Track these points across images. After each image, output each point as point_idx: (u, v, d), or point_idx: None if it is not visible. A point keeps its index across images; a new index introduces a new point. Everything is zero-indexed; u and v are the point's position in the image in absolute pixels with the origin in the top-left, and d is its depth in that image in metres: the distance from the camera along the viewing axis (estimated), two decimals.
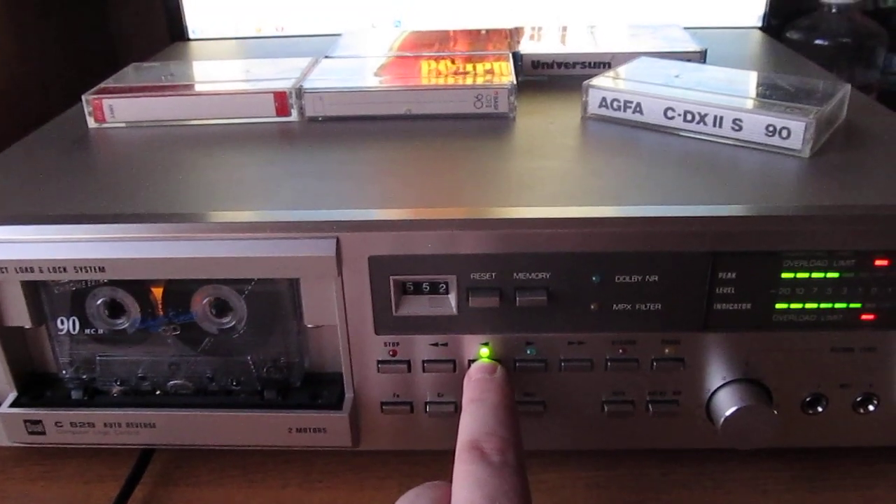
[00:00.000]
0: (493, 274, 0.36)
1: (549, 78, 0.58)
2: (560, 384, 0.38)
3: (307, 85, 0.49)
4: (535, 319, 0.37)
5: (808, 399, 0.39)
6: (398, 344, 0.38)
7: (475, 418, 0.33)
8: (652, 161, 0.42)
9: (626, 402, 0.39)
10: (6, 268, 0.36)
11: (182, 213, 0.37)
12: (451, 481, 0.31)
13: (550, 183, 0.39)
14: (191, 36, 0.76)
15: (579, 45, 0.60)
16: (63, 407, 0.40)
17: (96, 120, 0.50)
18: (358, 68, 0.54)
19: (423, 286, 0.37)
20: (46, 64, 0.78)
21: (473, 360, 0.38)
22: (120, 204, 0.38)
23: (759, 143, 0.42)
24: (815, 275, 0.36)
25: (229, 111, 0.50)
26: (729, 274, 0.36)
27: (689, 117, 0.44)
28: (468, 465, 0.30)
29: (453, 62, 0.55)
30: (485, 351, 0.38)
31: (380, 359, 0.38)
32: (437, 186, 0.40)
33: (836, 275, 0.36)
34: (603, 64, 0.57)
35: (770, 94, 0.45)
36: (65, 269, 0.36)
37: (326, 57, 0.57)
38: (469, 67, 0.53)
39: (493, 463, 0.30)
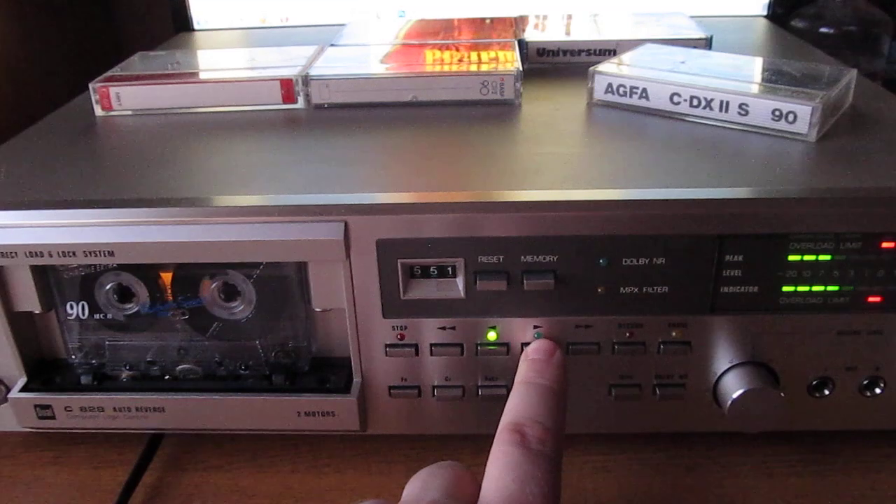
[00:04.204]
0: (501, 257, 0.36)
1: (554, 66, 0.58)
2: (567, 367, 0.38)
3: (313, 72, 0.50)
4: (542, 303, 0.37)
5: (814, 382, 0.39)
6: (406, 328, 0.38)
7: (524, 400, 0.33)
8: (658, 146, 0.42)
9: (633, 385, 0.39)
10: (16, 253, 0.36)
11: (191, 197, 0.37)
12: (460, 462, 0.31)
13: (557, 168, 0.40)
14: (195, 27, 0.76)
15: (584, 32, 0.60)
16: (72, 392, 0.40)
17: (103, 108, 0.50)
18: (363, 56, 0.55)
19: (431, 270, 0.37)
20: (52, 54, 0.79)
21: (482, 344, 0.38)
22: (128, 189, 0.39)
23: (765, 128, 0.42)
24: (821, 257, 0.36)
25: (235, 99, 0.50)
26: (736, 257, 0.36)
27: (695, 102, 0.44)
28: (507, 447, 0.30)
29: (458, 50, 0.55)
30: (492, 335, 0.38)
31: (388, 342, 0.38)
32: (443, 171, 0.40)
33: (842, 258, 0.36)
34: (608, 51, 0.57)
35: (776, 79, 0.45)
36: (74, 254, 0.36)
37: (332, 45, 0.57)
38: (474, 56, 0.53)
39: (532, 450, 0.30)
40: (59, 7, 0.80)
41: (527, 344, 0.38)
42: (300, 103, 0.50)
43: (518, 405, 0.33)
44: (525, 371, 0.35)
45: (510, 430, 0.31)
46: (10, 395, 0.40)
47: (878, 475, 0.40)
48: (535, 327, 0.38)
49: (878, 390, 0.39)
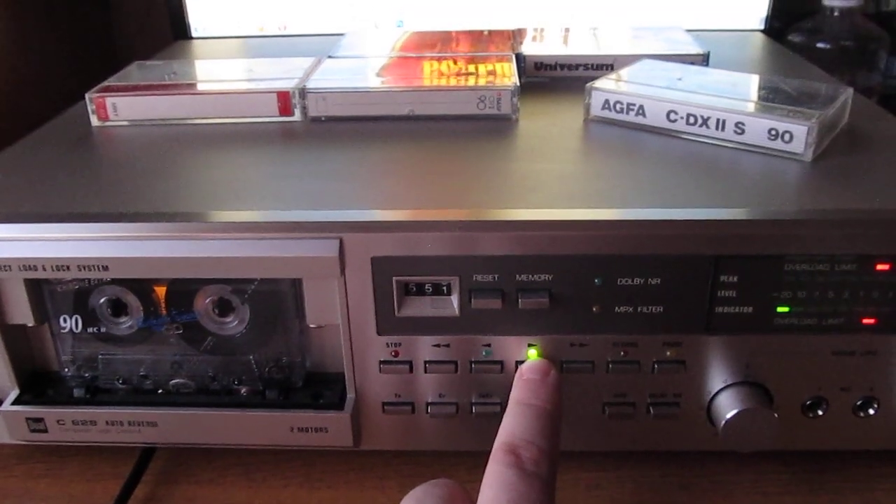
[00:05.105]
0: (496, 275, 0.36)
1: (552, 80, 0.58)
2: (562, 387, 0.38)
3: (310, 85, 0.50)
4: (537, 321, 0.37)
5: (808, 402, 0.39)
6: (400, 344, 0.38)
7: (519, 421, 0.33)
8: (654, 164, 0.42)
9: (627, 404, 0.39)
10: (9, 266, 0.36)
11: (185, 212, 0.37)
12: (454, 480, 0.31)
13: (553, 185, 0.40)
14: (193, 34, 0.76)
15: (582, 46, 0.60)
16: (65, 405, 0.40)
17: (100, 118, 0.50)
18: (361, 68, 0.54)
19: (426, 287, 0.37)
20: (49, 63, 0.78)
21: (477, 361, 0.38)
22: (123, 203, 0.38)
23: (761, 147, 0.42)
24: (816, 278, 0.36)
25: (232, 110, 0.50)
26: (731, 277, 0.36)
27: (691, 120, 0.44)
28: (501, 467, 0.30)
29: (456, 63, 0.55)
30: (487, 353, 0.38)
31: (382, 359, 0.38)
32: (439, 187, 0.40)
33: (837, 279, 0.36)
34: (605, 66, 0.57)
35: (772, 97, 0.45)
36: (68, 268, 0.36)
37: (329, 57, 0.57)
38: (471, 68, 0.53)
39: (526, 471, 0.30)
40: (57, 14, 0.80)
41: (521, 362, 0.38)
42: (297, 116, 0.50)
43: (513, 426, 0.33)
44: (519, 391, 0.35)
45: (505, 451, 0.31)
46: (1, 408, 0.40)
47: (871, 495, 0.40)
48: (530, 345, 0.38)
49: (871, 411, 0.39)
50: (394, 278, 0.36)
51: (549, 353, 0.38)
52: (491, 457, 0.31)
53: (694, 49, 0.58)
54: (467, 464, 0.41)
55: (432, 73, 0.53)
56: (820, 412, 0.39)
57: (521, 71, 0.57)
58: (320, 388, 0.40)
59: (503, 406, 0.35)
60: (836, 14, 0.73)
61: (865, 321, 0.37)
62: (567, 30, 0.66)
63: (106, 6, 0.91)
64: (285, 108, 0.49)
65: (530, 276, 0.36)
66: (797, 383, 0.38)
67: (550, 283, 0.36)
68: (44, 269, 0.36)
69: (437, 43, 0.61)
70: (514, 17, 0.73)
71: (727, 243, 0.35)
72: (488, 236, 0.35)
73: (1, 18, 0.71)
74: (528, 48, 0.59)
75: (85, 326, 0.40)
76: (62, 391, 0.41)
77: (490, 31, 0.65)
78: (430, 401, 0.39)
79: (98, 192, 0.40)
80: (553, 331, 0.37)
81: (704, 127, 0.44)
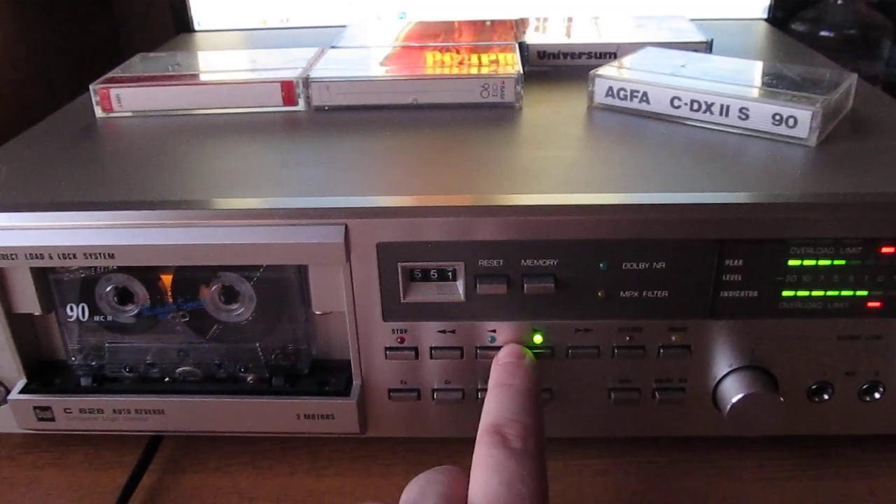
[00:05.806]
0: (501, 261, 0.36)
1: (555, 68, 0.58)
2: (567, 371, 0.39)
3: (314, 74, 0.50)
4: (542, 306, 0.37)
5: (813, 387, 0.39)
6: (406, 331, 0.38)
7: (499, 402, 0.33)
8: (659, 150, 0.42)
9: (632, 389, 0.39)
10: (16, 254, 0.36)
11: (191, 199, 0.37)
12: (459, 466, 0.31)
13: (557, 171, 0.40)
14: (196, 27, 0.76)
15: (585, 35, 0.60)
16: (72, 393, 0.40)
17: (104, 109, 0.50)
18: (364, 58, 0.54)
19: (431, 273, 0.37)
20: (51, 56, 0.78)
21: (482, 347, 0.38)
22: (129, 191, 0.39)
23: (765, 132, 0.42)
24: (821, 262, 0.36)
25: (236, 100, 0.50)
26: (736, 261, 0.36)
27: (695, 106, 0.44)
28: (489, 449, 0.30)
29: (458, 53, 0.55)
30: (492, 338, 0.38)
31: (387, 346, 0.38)
32: (444, 174, 0.40)
33: (842, 262, 0.36)
34: (609, 54, 0.57)
35: (776, 83, 0.45)
36: (74, 256, 0.36)
37: (333, 47, 0.57)
38: (474, 58, 0.53)
39: (514, 449, 0.30)
40: (59, 8, 0.80)
41: (527, 348, 0.38)
42: (301, 105, 0.50)
43: (494, 408, 0.33)
44: (497, 375, 0.35)
45: (490, 433, 0.31)
46: (9, 397, 0.40)
47: (877, 480, 0.40)
48: (535, 331, 0.38)
49: (877, 395, 0.39)
50: (399, 264, 0.36)
51: (554, 339, 0.38)
52: (477, 441, 0.31)
53: (697, 37, 0.58)
54: (472, 450, 0.41)
55: (435, 63, 0.53)
56: (825, 396, 0.39)
57: (524, 60, 0.57)
58: (326, 374, 0.40)
59: None
60: (839, 3, 0.73)
61: (871, 305, 0.37)
62: (570, 19, 0.66)
63: (107, 2, 0.91)
64: (289, 98, 0.49)
65: (535, 261, 0.36)
66: (802, 368, 0.38)
67: (555, 268, 0.36)
68: (50, 258, 0.36)
69: (440, 33, 0.61)
70: (517, 8, 0.73)
71: (732, 227, 0.35)
72: (493, 221, 0.35)
73: (2, 14, 0.71)
74: (531, 37, 0.59)
75: (91, 315, 0.40)
76: (69, 380, 0.41)
77: (493, 22, 0.65)
78: (435, 387, 0.39)
79: (103, 182, 0.40)
80: (558, 316, 0.37)
81: (708, 113, 0.44)
